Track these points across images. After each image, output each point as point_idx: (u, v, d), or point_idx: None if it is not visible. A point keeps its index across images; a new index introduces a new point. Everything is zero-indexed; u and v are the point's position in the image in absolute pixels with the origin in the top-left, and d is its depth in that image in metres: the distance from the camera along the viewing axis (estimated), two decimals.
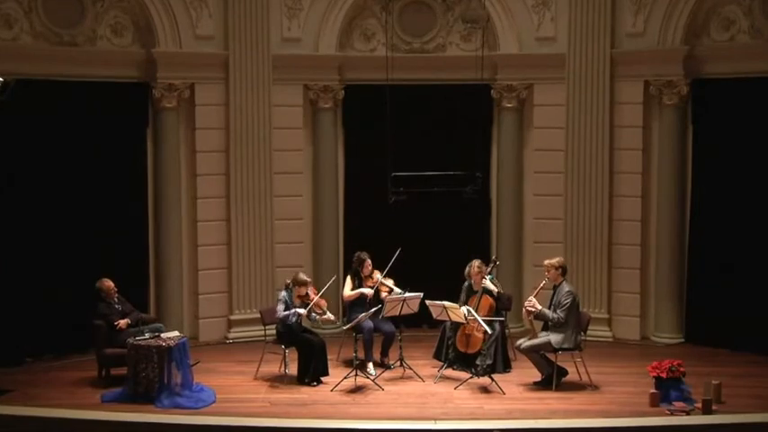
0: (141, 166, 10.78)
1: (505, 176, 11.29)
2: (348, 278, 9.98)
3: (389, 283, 9.76)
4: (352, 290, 9.84)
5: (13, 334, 9.83)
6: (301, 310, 9.26)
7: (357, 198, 11.40)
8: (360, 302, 9.76)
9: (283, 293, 9.46)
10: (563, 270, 9.22)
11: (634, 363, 9.88)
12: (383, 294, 9.73)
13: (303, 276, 9.48)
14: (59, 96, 10.11)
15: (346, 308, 10.04)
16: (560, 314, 9.01)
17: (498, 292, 9.69)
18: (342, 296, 10.01)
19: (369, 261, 9.84)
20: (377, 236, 10.77)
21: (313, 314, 9.41)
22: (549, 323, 9.10)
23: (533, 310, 9.07)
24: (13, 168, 9.91)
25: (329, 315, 9.52)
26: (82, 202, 10.35)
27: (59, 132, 10.18)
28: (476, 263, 9.78)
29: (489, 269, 9.83)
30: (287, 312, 9.29)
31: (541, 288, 9.24)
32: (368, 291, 9.71)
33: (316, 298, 9.41)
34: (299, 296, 9.41)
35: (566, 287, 9.15)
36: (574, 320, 9.11)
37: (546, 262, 9.28)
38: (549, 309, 9.11)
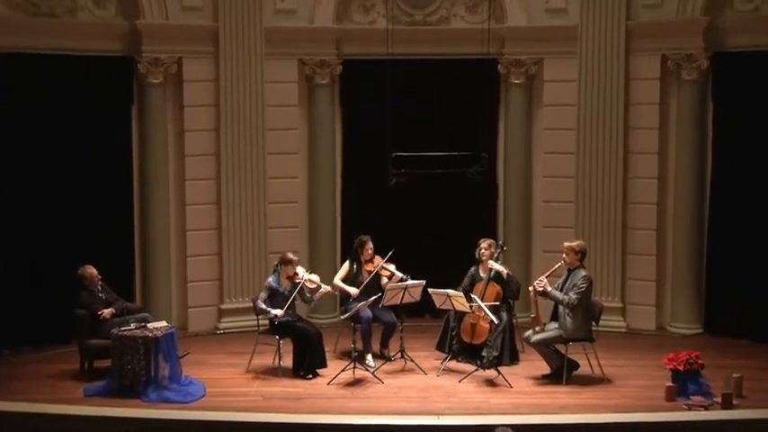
0: (126, 145, 10.73)
1: (513, 157, 11.26)
2: (346, 263, 9.94)
3: (391, 267, 9.72)
4: (345, 278, 9.80)
5: None
6: (276, 311, 9.17)
7: (355, 180, 11.37)
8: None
9: (270, 279, 9.42)
10: (582, 255, 9.17)
11: (649, 355, 9.85)
12: (384, 280, 9.69)
13: (290, 255, 9.44)
14: (37, 71, 10.03)
15: (343, 297, 10.00)
16: (573, 296, 8.94)
17: (507, 275, 9.64)
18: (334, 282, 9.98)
19: (370, 244, 9.81)
20: (376, 220, 10.75)
21: (307, 295, 9.37)
22: (560, 307, 9.03)
23: (542, 290, 9.01)
24: None
25: (324, 288, 9.45)
26: (62, 185, 10.30)
27: (37, 110, 10.12)
28: (486, 240, 9.75)
29: (497, 255, 9.79)
30: (264, 307, 9.26)
31: (555, 271, 9.18)
32: (353, 290, 9.66)
33: (305, 275, 9.36)
34: (288, 277, 9.37)
35: (582, 272, 9.10)
36: (586, 308, 9.07)
37: (566, 244, 9.22)
38: (561, 292, 9.05)
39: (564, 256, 9.16)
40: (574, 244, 9.20)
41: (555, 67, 11.03)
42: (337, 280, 9.86)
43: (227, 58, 10.74)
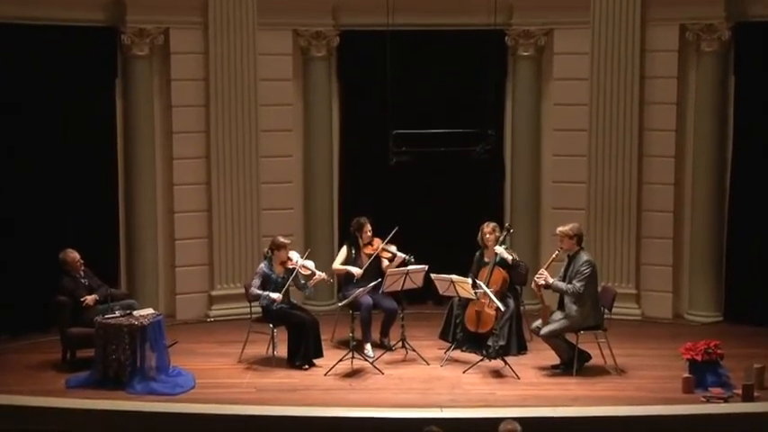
0: (109, 122, 10.70)
1: (521, 134, 11.24)
2: (344, 248, 9.92)
3: (392, 248, 9.69)
4: (344, 263, 9.77)
5: None
6: (275, 295, 9.17)
7: (354, 159, 11.36)
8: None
9: (262, 265, 9.41)
10: (578, 239, 9.15)
11: (665, 344, 9.86)
12: (384, 263, 9.66)
13: (282, 239, 9.43)
14: (14, 42, 9.98)
15: (341, 282, 9.99)
16: (577, 285, 8.94)
17: (513, 260, 9.62)
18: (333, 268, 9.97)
19: (369, 226, 9.79)
20: (376, 201, 10.78)
21: (302, 282, 9.35)
22: (565, 297, 9.02)
23: (544, 283, 9.00)
24: None
25: (319, 274, 9.43)
26: (41, 164, 10.28)
27: (14, 83, 10.07)
28: (490, 224, 9.73)
29: (503, 238, 9.77)
30: (258, 292, 9.24)
31: (554, 259, 9.20)
32: (356, 270, 9.64)
33: (300, 261, 9.32)
34: (281, 262, 9.34)
35: (584, 256, 9.09)
36: (593, 294, 9.06)
37: (559, 230, 9.20)
38: (564, 281, 9.04)
39: (560, 243, 9.14)
40: (566, 228, 9.14)
41: (566, 39, 10.99)
42: (337, 263, 9.83)
43: (217, 28, 10.70)
